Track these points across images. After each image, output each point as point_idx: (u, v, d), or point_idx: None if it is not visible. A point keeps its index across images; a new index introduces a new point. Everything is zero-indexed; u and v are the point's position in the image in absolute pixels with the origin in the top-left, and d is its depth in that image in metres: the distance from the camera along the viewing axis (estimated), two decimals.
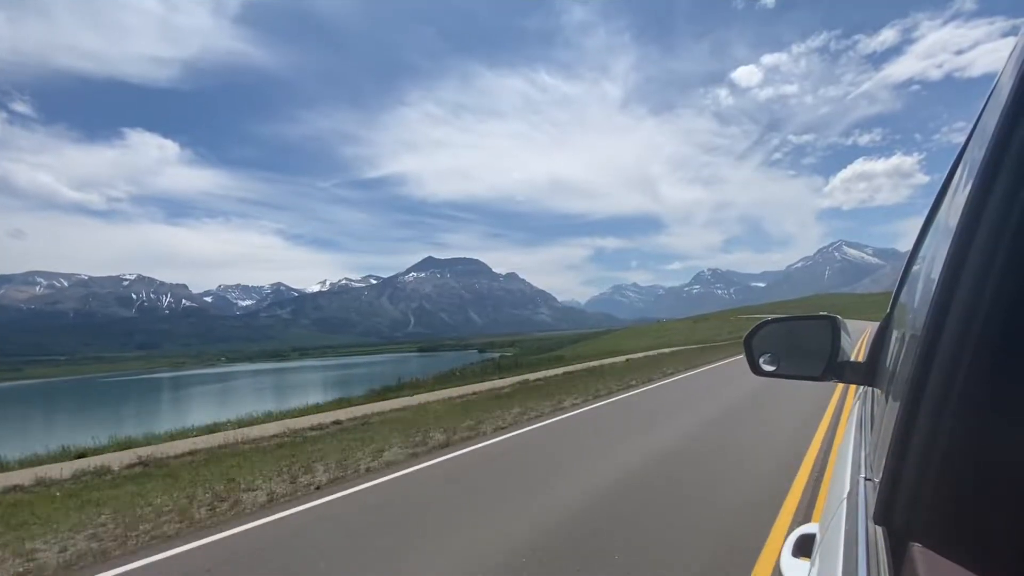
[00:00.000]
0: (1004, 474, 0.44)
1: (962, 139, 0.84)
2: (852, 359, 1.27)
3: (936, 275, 0.53)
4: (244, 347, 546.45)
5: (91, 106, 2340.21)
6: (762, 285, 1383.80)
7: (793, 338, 1.40)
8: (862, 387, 1.56)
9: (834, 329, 1.24)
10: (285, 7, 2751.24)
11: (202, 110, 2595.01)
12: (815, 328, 1.30)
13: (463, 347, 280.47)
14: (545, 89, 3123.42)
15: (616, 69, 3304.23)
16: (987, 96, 0.61)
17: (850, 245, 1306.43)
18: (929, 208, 1.03)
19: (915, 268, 1.07)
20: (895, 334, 1.09)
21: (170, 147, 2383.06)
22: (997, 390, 0.45)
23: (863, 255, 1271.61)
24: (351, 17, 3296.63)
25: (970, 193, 0.48)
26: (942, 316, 0.49)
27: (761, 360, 1.44)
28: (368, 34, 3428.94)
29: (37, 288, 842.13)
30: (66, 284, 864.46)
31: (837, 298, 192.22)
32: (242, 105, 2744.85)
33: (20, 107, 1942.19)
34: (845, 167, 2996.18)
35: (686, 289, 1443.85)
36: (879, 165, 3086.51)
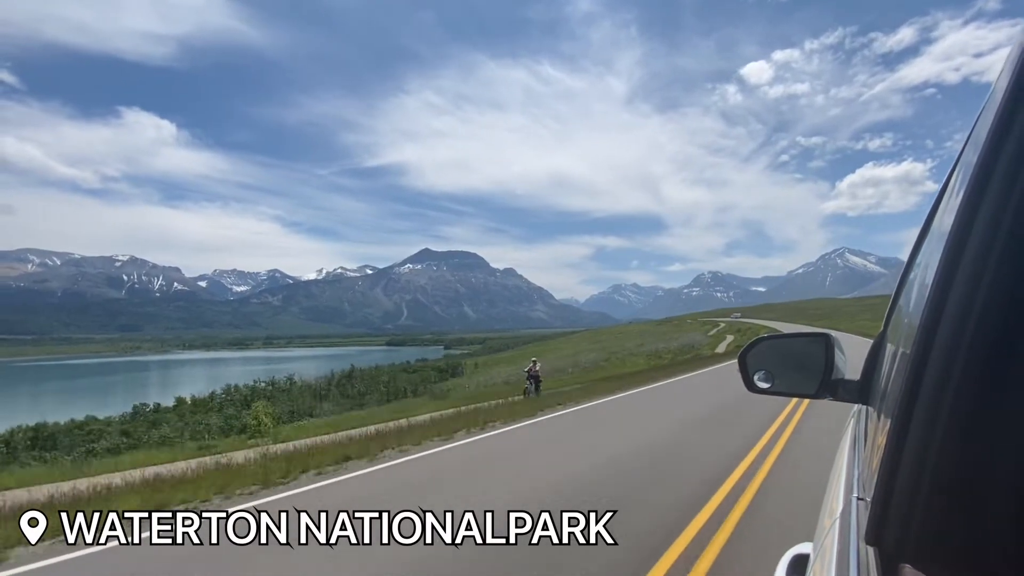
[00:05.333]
0: (995, 494, 0.43)
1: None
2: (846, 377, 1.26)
3: (928, 287, 0.51)
4: (228, 333, 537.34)
5: (85, 82, 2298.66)
6: (762, 289, 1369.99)
7: (787, 355, 1.39)
8: (856, 405, 1.55)
9: (828, 347, 1.24)
10: None
11: (199, 91, 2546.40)
12: (809, 345, 1.29)
13: (434, 343, 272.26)
14: (548, 82, 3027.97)
15: (621, 64, 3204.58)
16: (984, 102, 0.62)
17: (853, 252, 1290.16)
18: (925, 216, 0.99)
19: (910, 279, 1.02)
20: (888, 349, 1.05)
21: (167, 127, 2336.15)
22: (989, 407, 0.43)
23: (866, 263, 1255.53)
24: None
25: (963, 199, 0.47)
26: (933, 329, 0.47)
27: (755, 377, 1.42)
28: (367, 17, 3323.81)
29: (29, 266, 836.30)
30: (58, 263, 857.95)
31: (824, 302, 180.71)
32: (240, 87, 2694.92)
33: (10, 79, 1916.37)
34: (853, 172, 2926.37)
35: (685, 291, 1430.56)
36: (888, 171, 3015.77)
